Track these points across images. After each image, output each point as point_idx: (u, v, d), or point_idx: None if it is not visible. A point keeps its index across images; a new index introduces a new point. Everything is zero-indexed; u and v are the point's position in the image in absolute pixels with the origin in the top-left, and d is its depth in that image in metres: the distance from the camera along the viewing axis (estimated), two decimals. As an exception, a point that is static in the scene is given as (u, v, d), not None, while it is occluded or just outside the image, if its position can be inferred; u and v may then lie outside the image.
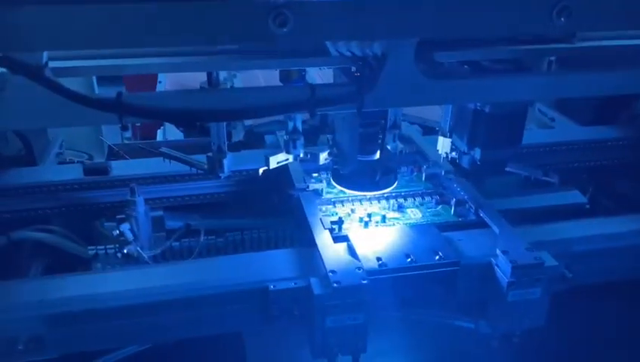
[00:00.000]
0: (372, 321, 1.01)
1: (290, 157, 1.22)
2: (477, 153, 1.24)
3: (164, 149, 1.23)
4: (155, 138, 2.11)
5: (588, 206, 1.47)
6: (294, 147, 1.20)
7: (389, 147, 1.29)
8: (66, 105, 0.83)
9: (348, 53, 1.01)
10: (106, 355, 1.10)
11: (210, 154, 1.17)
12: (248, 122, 1.77)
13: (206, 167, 1.19)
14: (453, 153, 1.32)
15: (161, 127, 2.11)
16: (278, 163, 1.23)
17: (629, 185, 1.65)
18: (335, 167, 1.35)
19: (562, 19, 0.88)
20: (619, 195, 1.62)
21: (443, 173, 1.37)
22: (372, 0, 0.82)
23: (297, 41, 0.86)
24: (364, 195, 1.33)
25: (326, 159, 1.31)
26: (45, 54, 0.84)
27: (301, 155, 1.23)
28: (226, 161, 1.16)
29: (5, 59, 0.78)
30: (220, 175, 1.18)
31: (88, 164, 1.40)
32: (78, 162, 1.57)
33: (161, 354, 1.13)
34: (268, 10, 0.78)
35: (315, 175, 1.41)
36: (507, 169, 1.37)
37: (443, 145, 1.32)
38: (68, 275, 1.04)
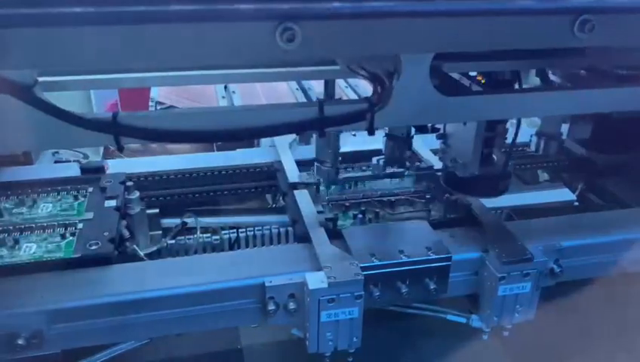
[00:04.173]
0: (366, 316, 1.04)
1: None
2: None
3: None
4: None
5: (577, 203, 1.50)
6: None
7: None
8: (58, 125, 0.79)
9: (358, 69, 0.98)
10: (98, 353, 1.11)
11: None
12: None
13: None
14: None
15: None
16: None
17: (616, 182, 1.67)
18: (450, 170, 1.25)
19: (584, 33, 0.86)
20: (607, 192, 1.64)
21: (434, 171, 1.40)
22: (384, 13, 0.77)
23: (305, 57, 0.82)
24: (360, 195, 1.35)
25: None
26: (34, 72, 0.80)
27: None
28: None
29: None
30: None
31: (85, 163, 1.41)
32: (74, 161, 1.58)
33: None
34: (275, 26, 0.76)
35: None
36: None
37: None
38: (66, 272, 1.05)
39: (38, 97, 0.78)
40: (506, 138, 1.19)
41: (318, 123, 0.89)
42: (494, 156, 1.20)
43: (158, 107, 1.88)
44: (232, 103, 1.94)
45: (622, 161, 1.32)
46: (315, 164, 1.25)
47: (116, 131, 0.83)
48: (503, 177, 1.20)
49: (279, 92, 1.94)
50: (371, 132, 0.90)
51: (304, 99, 1.84)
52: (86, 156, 1.75)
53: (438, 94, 0.90)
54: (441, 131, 1.27)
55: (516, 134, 1.15)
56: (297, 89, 2.05)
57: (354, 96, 2.02)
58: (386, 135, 1.33)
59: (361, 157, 1.50)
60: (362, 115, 0.89)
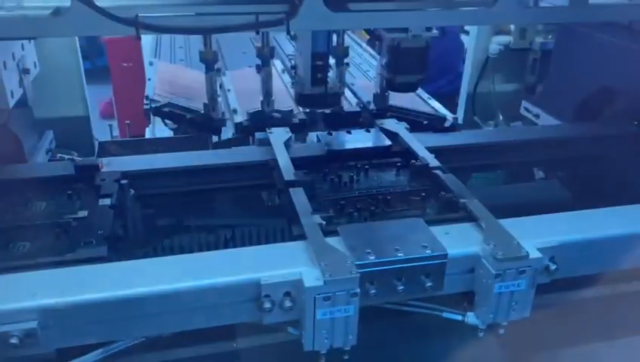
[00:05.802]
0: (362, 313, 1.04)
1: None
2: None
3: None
4: (144, 136, 2.12)
5: (571, 200, 1.50)
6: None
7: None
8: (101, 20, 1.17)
9: None
10: (92, 352, 1.11)
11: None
12: (238, 118, 1.80)
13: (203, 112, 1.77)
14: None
15: (149, 125, 2.12)
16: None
17: (610, 179, 1.68)
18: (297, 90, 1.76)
19: None
20: (601, 189, 1.65)
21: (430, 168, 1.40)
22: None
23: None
24: (354, 192, 1.36)
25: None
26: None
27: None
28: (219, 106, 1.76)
29: None
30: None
31: (79, 161, 1.40)
32: (68, 159, 1.57)
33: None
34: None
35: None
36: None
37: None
38: (60, 269, 1.05)
39: (97, 5, 1.14)
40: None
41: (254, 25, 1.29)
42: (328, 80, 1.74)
43: (153, 105, 1.88)
44: (227, 99, 1.95)
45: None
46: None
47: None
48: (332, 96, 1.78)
49: (275, 90, 1.96)
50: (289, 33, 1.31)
51: (292, 89, 1.97)
52: (80, 155, 1.75)
53: (328, 10, 1.30)
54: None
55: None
56: (292, 88, 2.07)
57: (352, 97, 2.07)
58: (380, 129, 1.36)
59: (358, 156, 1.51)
60: (281, 21, 1.28)
